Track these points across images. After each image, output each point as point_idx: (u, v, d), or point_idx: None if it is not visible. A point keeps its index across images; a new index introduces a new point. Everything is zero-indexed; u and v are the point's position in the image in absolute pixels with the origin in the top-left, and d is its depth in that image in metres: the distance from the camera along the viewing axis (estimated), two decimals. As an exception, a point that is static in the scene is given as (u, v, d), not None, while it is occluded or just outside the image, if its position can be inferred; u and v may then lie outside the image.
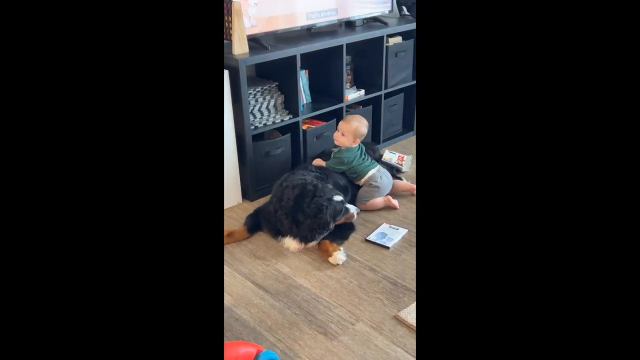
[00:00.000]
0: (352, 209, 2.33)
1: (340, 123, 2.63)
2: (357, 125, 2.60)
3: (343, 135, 2.60)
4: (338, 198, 2.25)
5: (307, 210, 2.18)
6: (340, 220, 2.29)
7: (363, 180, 2.63)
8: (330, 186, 2.35)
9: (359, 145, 2.68)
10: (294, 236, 2.24)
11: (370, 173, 2.61)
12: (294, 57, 2.64)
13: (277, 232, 2.31)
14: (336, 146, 2.69)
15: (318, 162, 2.70)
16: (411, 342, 1.74)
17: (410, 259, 2.22)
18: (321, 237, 2.24)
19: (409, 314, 1.86)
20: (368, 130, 3.10)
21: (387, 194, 2.65)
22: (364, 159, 2.67)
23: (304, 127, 2.88)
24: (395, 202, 2.62)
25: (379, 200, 2.61)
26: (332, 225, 2.24)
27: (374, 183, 2.60)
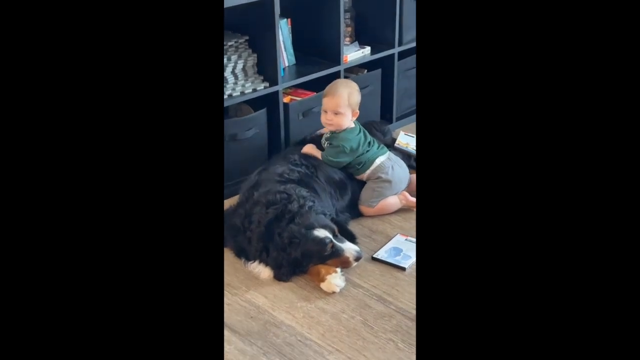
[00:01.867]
0: (350, 250, 1.95)
1: (324, 100, 2.24)
2: (348, 92, 2.21)
3: (337, 114, 2.20)
4: (320, 233, 1.91)
5: (277, 240, 1.93)
6: (331, 262, 1.95)
7: (368, 172, 2.24)
8: (320, 210, 2.03)
9: (358, 124, 2.33)
10: (265, 263, 1.98)
11: (377, 162, 2.24)
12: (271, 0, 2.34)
13: (243, 253, 2.04)
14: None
15: (310, 149, 2.30)
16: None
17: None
18: (292, 276, 1.99)
19: None
20: (376, 106, 2.90)
21: (403, 190, 2.31)
22: (370, 143, 2.28)
23: (286, 99, 2.56)
24: (414, 199, 2.27)
25: (392, 200, 2.24)
26: (307, 268, 1.98)
27: (383, 176, 2.22)
